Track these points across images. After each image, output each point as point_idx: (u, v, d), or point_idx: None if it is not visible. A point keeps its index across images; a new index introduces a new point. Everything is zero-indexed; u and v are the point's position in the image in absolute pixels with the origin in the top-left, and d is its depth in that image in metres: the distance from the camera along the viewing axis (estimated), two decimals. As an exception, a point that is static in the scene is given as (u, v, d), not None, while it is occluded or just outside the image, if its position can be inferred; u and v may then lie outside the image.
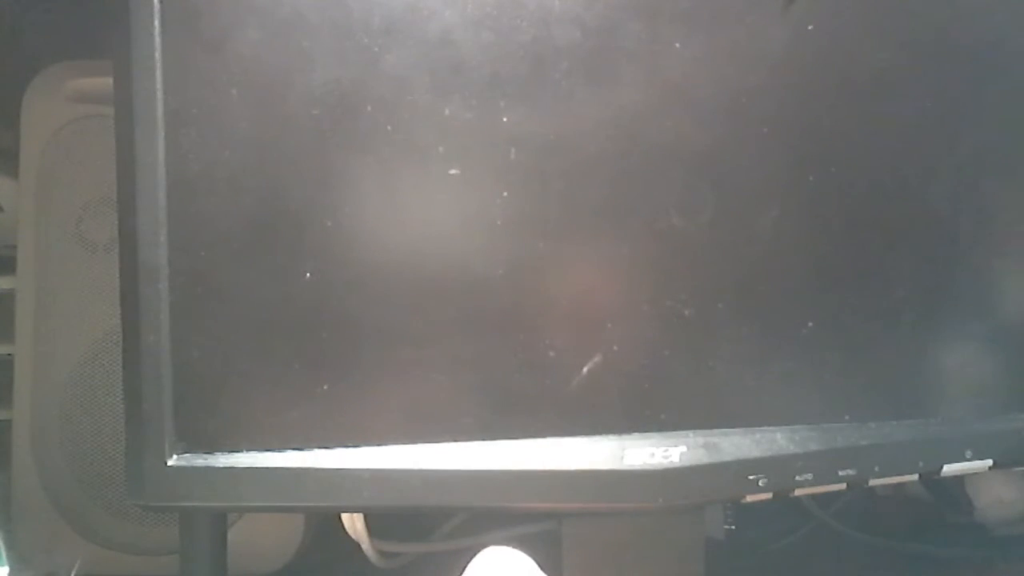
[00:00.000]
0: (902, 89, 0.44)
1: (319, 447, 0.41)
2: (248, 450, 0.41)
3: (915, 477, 0.46)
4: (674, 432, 0.43)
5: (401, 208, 0.41)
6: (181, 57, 0.39)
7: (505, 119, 0.41)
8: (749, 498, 0.44)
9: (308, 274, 0.40)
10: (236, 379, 0.40)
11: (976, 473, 0.48)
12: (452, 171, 0.41)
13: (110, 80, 0.40)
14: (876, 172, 0.45)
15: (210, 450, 0.40)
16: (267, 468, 0.40)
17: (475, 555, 0.43)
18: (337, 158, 0.40)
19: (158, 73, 0.39)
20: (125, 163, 0.40)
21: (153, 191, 0.39)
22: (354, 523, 0.53)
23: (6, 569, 0.54)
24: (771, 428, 0.44)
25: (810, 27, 0.43)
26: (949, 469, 0.46)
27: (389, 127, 0.40)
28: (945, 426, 0.46)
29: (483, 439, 0.42)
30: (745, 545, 0.59)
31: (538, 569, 0.27)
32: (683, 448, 0.43)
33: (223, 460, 0.40)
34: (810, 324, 0.44)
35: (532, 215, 0.42)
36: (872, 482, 0.45)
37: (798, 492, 0.44)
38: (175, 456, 0.40)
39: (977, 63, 0.45)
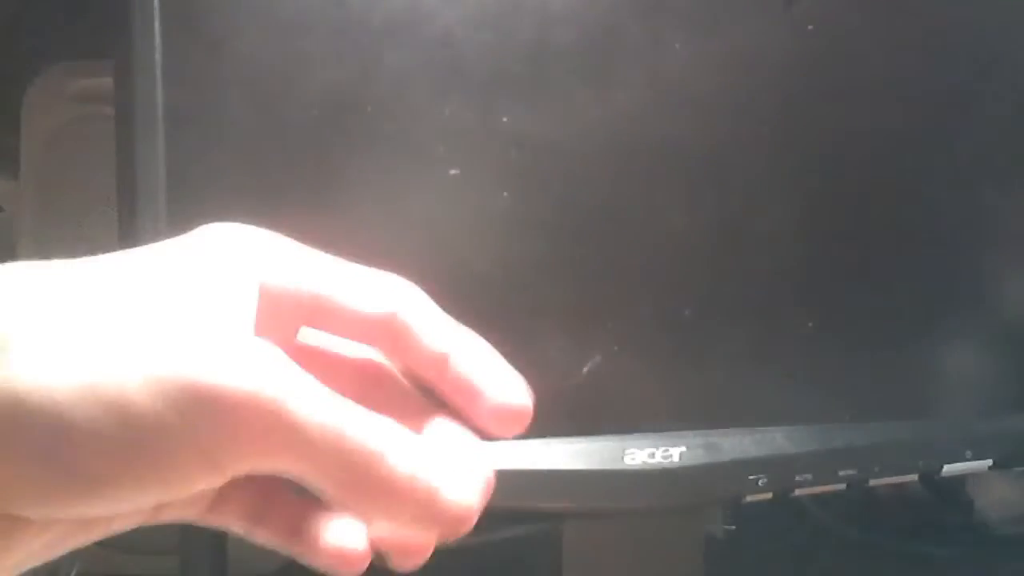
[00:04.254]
0: (902, 89, 0.44)
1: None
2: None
3: (915, 477, 0.46)
4: (674, 432, 0.43)
5: (401, 208, 0.41)
6: (181, 57, 0.39)
7: (505, 119, 0.41)
8: (749, 498, 0.44)
9: (308, 274, 0.40)
10: (236, 379, 0.40)
11: (976, 473, 0.48)
12: (452, 171, 0.41)
13: (110, 80, 0.40)
14: (876, 172, 0.45)
15: (210, 450, 0.40)
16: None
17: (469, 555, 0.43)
18: (337, 158, 0.40)
19: (158, 73, 0.39)
20: (125, 163, 0.40)
21: (153, 191, 0.39)
22: (354, 523, 0.53)
23: (6, 569, 0.54)
24: (771, 428, 0.44)
25: (810, 27, 0.43)
26: (949, 469, 0.46)
27: (389, 127, 0.40)
28: (945, 426, 0.46)
29: (483, 439, 0.42)
30: (745, 545, 0.59)
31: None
32: (683, 448, 0.43)
33: (223, 460, 0.40)
34: (810, 324, 0.44)
35: (532, 215, 0.42)
36: (872, 482, 0.45)
37: (798, 492, 0.44)
38: (175, 456, 0.40)
39: (977, 63, 0.45)
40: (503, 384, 0.28)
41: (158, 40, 0.39)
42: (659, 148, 0.42)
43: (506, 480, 0.42)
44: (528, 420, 0.28)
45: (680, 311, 0.43)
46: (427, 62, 0.40)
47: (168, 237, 0.27)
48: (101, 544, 0.60)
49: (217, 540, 0.48)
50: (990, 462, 0.46)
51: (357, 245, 0.41)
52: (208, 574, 0.47)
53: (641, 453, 0.42)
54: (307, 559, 0.26)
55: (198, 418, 0.22)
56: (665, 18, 0.42)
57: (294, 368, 0.24)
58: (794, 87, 0.43)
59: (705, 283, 0.43)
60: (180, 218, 0.40)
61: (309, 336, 0.29)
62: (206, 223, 0.27)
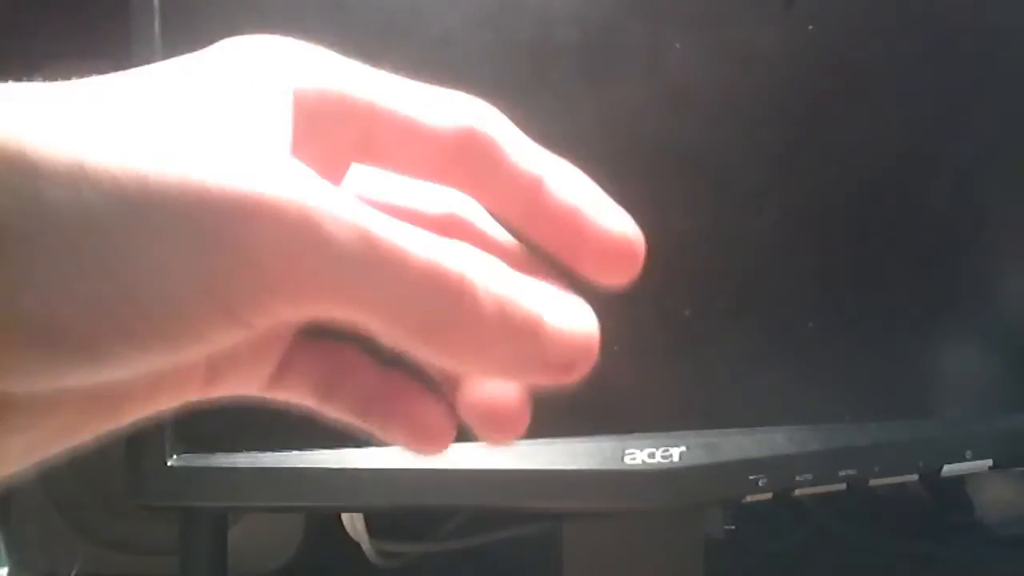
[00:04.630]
0: (902, 89, 0.44)
1: (319, 447, 0.41)
2: (248, 450, 0.41)
3: (915, 477, 0.46)
4: (674, 432, 0.43)
5: (401, 208, 0.41)
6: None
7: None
8: (749, 498, 0.44)
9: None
10: (236, 379, 0.40)
11: (976, 473, 0.48)
12: (452, 171, 0.41)
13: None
14: (876, 172, 0.45)
15: (210, 450, 0.40)
16: (267, 468, 0.40)
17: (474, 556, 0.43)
18: (337, 158, 0.40)
19: (158, 73, 0.39)
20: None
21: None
22: (354, 523, 0.53)
23: (6, 569, 0.54)
24: (771, 428, 0.44)
25: (810, 27, 0.43)
26: (949, 469, 0.46)
27: (389, 127, 0.40)
28: (945, 426, 0.46)
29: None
30: (745, 545, 0.59)
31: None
32: (683, 448, 0.43)
33: (223, 460, 0.40)
34: (810, 324, 0.44)
35: (532, 215, 0.42)
36: (872, 482, 0.45)
37: (798, 492, 0.44)
38: (175, 456, 0.40)
39: (977, 63, 0.45)
40: (609, 214, 0.21)
41: (158, 40, 0.39)
42: (659, 148, 0.42)
43: (506, 480, 0.42)
44: (640, 261, 0.22)
45: (680, 311, 0.43)
46: (427, 62, 0.40)
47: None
48: (101, 544, 0.60)
49: (217, 540, 0.48)
50: (990, 462, 0.46)
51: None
52: (208, 574, 0.47)
53: (641, 453, 0.42)
54: (384, 436, 0.22)
55: (186, 235, 0.16)
56: (665, 18, 0.42)
57: (332, 186, 0.17)
58: (794, 87, 0.43)
59: (705, 283, 0.43)
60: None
61: (363, 182, 0.22)
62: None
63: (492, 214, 0.23)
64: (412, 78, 0.23)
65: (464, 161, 0.21)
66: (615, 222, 0.21)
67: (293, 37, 0.23)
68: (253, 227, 0.16)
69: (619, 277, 0.22)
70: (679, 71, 0.42)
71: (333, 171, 0.21)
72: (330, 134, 0.20)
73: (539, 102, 0.41)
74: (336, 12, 0.40)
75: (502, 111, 0.24)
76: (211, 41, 0.22)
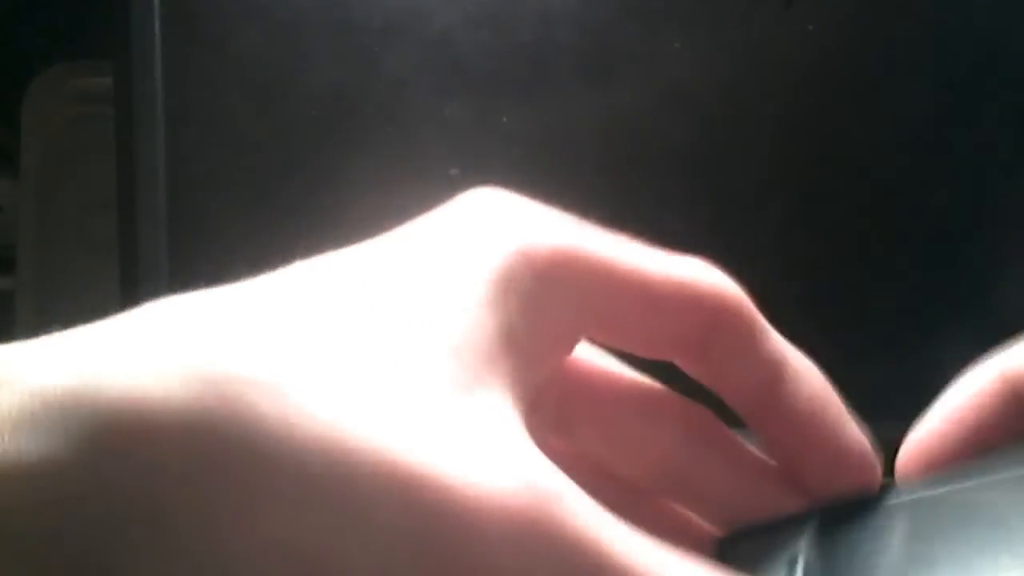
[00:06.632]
0: (902, 89, 0.44)
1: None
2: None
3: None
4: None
5: (400, 208, 0.41)
6: (181, 57, 0.39)
7: (505, 119, 0.41)
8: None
9: (308, 274, 0.40)
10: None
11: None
12: (452, 171, 0.41)
13: (110, 80, 0.40)
14: (876, 172, 0.45)
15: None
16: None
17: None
18: (337, 158, 0.40)
19: (158, 73, 0.39)
20: (125, 163, 0.40)
21: (153, 191, 0.39)
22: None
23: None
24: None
25: (810, 27, 0.43)
26: (949, 469, 0.46)
27: (389, 127, 0.40)
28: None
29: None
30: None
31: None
32: (683, 448, 0.43)
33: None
34: (811, 324, 0.44)
35: (532, 215, 0.42)
36: (874, 482, 0.45)
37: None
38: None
39: (977, 63, 0.45)
40: (847, 423, 0.21)
41: (158, 40, 0.39)
42: (659, 147, 0.42)
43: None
44: (874, 477, 0.21)
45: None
46: (427, 62, 0.40)
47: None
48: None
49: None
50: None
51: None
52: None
53: (641, 453, 0.42)
54: None
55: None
56: (665, 18, 0.42)
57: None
58: (794, 87, 0.43)
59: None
60: (180, 218, 0.40)
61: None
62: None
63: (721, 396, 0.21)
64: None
65: (709, 340, 0.19)
66: (852, 434, 0.20)
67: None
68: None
69: (843, 487, 0.20)
70: (679, 71, 0.42)
71: (556, 349, 0.18)
72: (562, 300, 0.18)
73: (539, 102, 0.41)
74: (336, 12, 0.40)
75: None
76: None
